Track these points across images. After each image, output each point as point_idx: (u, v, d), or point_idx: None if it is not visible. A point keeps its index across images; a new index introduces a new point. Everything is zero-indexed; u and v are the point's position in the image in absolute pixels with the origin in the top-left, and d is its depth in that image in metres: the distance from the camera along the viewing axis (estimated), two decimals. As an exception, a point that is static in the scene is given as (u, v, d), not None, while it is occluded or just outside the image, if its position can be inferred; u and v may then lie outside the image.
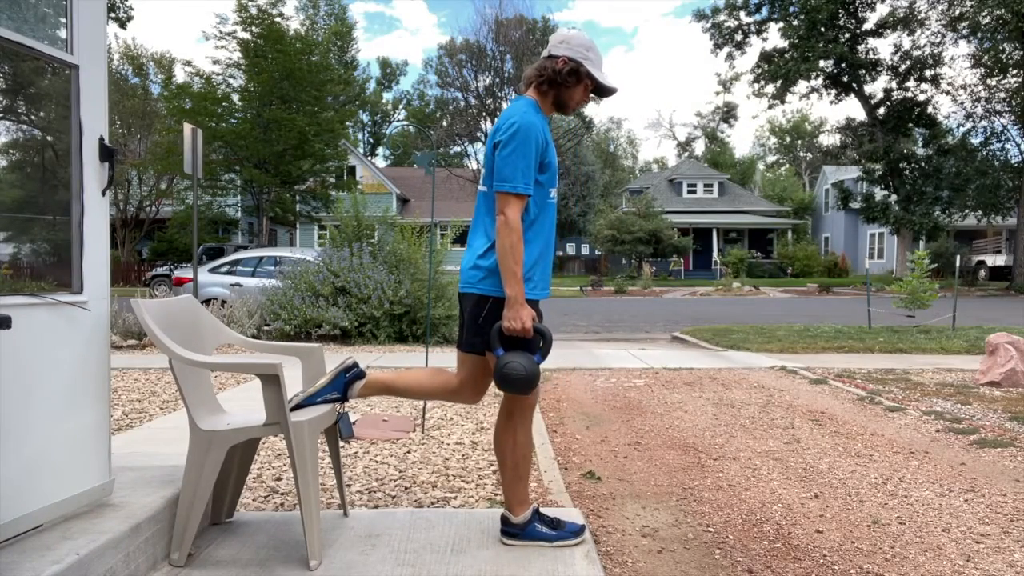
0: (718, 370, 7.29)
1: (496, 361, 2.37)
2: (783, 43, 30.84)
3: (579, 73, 2.46)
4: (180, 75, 36.51)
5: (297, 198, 28.52)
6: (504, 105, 39.21)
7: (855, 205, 32.52)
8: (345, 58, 46.82)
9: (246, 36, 25.37)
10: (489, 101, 38.95)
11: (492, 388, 2.64)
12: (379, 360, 7.70)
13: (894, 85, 30.24)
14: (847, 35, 30.04)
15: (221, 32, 25.70)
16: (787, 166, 66.41)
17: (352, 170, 36.02)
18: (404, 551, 2.51)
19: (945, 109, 50.16)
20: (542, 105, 2.50)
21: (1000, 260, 32.39)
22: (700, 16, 32.70)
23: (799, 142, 66.09)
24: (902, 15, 28.98)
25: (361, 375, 2.67)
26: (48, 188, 2.54)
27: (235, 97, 26.44)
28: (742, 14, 31.68)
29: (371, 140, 61.62)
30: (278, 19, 26.07)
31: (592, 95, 2.56)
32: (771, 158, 69.35)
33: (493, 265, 2.38)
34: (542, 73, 2.47)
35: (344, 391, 2.64)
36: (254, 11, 25.27)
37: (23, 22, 2.18)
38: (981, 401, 5.64)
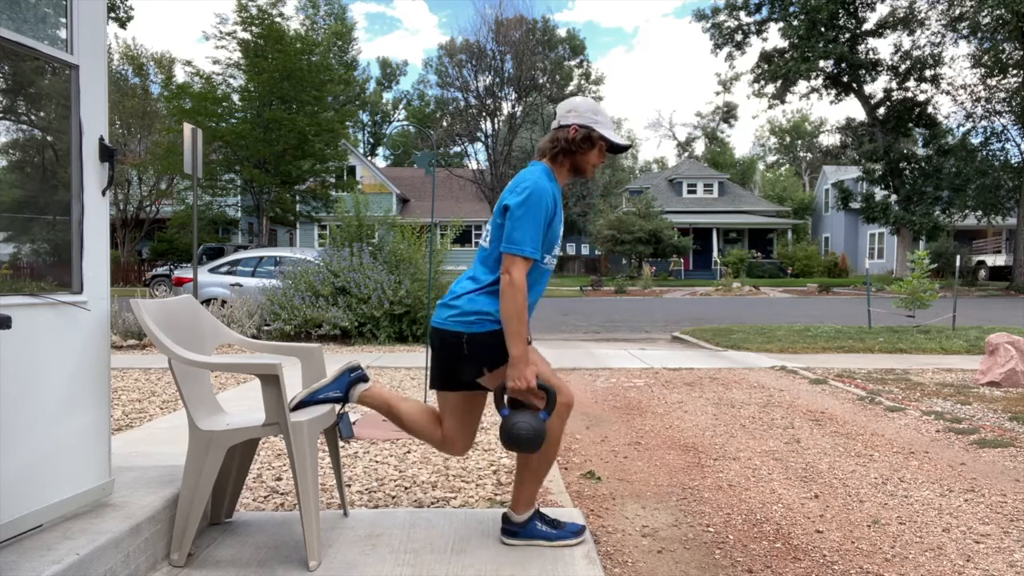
0: (718, 370, 7.29)
1: (502, 421, 2.39)
2: (783, 43, 30.86)
3: (592, 138, 2.51)
4: (180, 75, 36.66)
5: (297, 198, 28.53)
6: (503, 105, 39.21)
7: (855, 205, 32.53)
8: (345, 58, 46.81)
9: (246, 36, 25.38)
10: (489, 101, 38.95)
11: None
12: (379, 360, 7.70)
13: (894, 85, 30.25)
14: (847, 35, 30.04)
15: (221, 32, 25.74)
16: (787, 166, 66.42)
17: (352, 170, 36.03)
18: (404, 551, 2.51)
19: (945, 109, 50.17)
20: (557, 174, 2.55)
21: (1000, 260, 32.39)
22: (700, 16, 32.72)
23: (799, 142, 66.10)
24: (902, 15, 28.99)
25: (364, 378, 2.67)
26: (48, 188, 2.54)
27: (235, 97, 26.45)
28: (742, 14, 31.69)
29: (371, 140, 61.64)
30: (278, 19, 26.08)
31: (608, 152, 2.61)
32: (771, 158, 69.39)
33: (473, 308, 2.41)
34: (556, 144, 2.52)
35: (346, 391, 2.64)
36: (254, 11, 25.28)
37: (23, 22, 2.18)
38: (981, 401, 5.64)
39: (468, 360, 2.43)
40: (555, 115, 2.60)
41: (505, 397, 2.42)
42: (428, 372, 2.61)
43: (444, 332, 2.45)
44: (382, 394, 2.67)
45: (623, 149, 2.60)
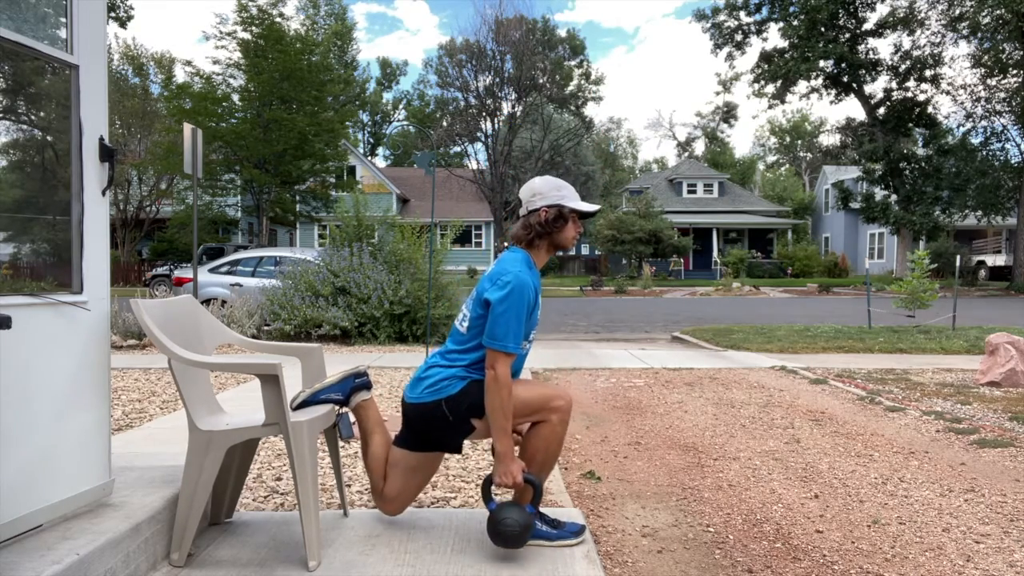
0: (718, 370, 7.29)
1: (489, 515, 2.42)
2: (783, 43, 30.87)
3: (563, 215, 2.55)
4: (180, 75, 36.56)
5: (297, 198, 28.54)
6: (503, 105, 39.19)
7: (855, 205, 32.52)
8: (345, 58, 46.82)
9: (246, 36, 25.39)
10: (489, 101, 38.93)
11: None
12: (379, 360, 7.70)
13: (894, 85, 30.25)
14: (847, 35, 30.04)
15: (221, 32, 25.76)
16: (787, 166, 66.40)
17: (352, 170, 36.03)
18: (404, 551, 2.51)
19: (945, 109, 50.10)
20: (536, 257, 2.58)
21: (1000, 260, 32.39)
22: (700, 16, 32.72)
23: (799, 142, 66.07)
24: (902, 15, 28.98)
25: (367, 386, 2.71)
26: (48, 188, 2.54)
27: (235, 97, 26.46)
28: (742, 14, 31.70)
29: (371, 140, 61.62)
30: (278, 19, 26.09)
31: (580, 221, 2.64)
32: (771, 158, 69.36)
33: (442, 376, 2.49)
34: (530, 230, 2.54)
35: (347, 396, 2.66)
36: (254, 11, 25.29)
37: (23, 22, 2.18)
38: (981, 401, 5.64)
39: (453, 424, 2.48)
40: (520, 202, 2.63)
41: (492, 490, 2.48)
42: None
43: (421, 406, 2.50)
44: (372, 414, 2.71)
45: (594, 214, 2.65)
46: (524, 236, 2.55)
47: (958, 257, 16.81)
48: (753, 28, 32.07)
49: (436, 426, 2.50)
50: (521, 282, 2.40)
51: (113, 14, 27.98)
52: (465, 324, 2.52)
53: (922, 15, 28.77)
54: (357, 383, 2.68)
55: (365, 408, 2.70)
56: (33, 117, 2.61)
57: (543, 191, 2.56)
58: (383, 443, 2.67)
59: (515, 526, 2.36)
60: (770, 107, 33.60)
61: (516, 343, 2.39)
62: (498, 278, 2.43)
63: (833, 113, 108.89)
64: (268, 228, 28.33)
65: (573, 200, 2.57)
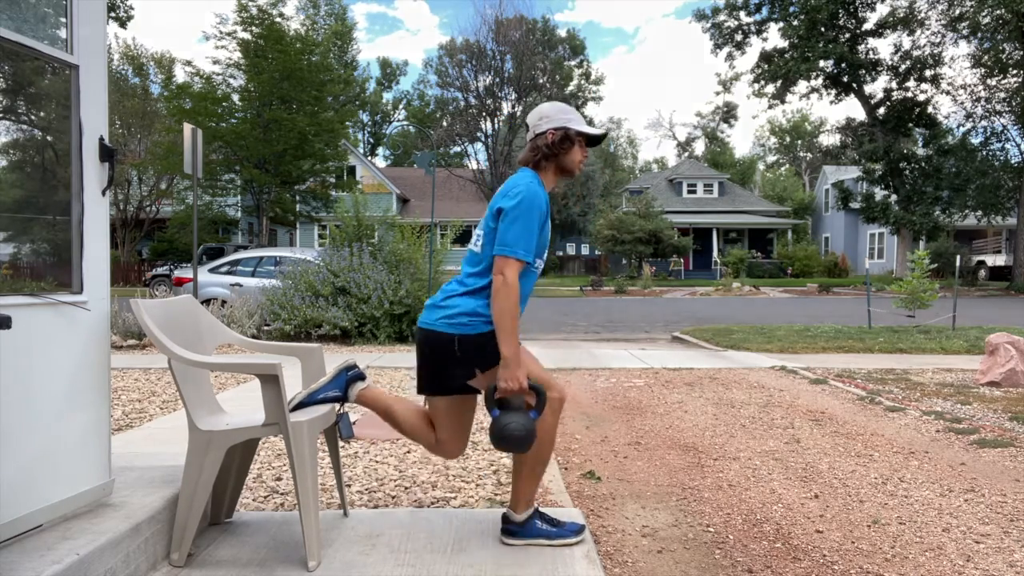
0: (718, 370, 7.29)
1: (493, 422, 2.39)
2: (783, 43, 30.87)
3: (570, 137, 2.55)
4: (180, 75, 36.59)
5: (297, 198, 28.54)
6: (503, 105, 39.23)
7: (855, 205, 32.52)
8: (345, 58, 46.83)
9: (246, 36, 25.39)
10: (489, 101, 38.96)
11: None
12: (379, 360, 7.70)
13: (894, 85, 30.25)
14: (847, 35, 30.05)
15: (221, 32, 25.75)
16: (787, 166, 66.39)
17: (352, 170, 36.03)
18: (404, 551, 2.51)
19: (945, 109, 50.18)
20: (544, 179, 2.57)
21: (1000, 260, 32.39)
22: (700, 16, 32.74)
23: (799, 142, 66.06)
24: (902, 15, 28.99)
25: (361, 376, 2.67)
26: (48, 188, 2.54)
27: (235, 97, 26.46)
28: (742, 14, 31.71)
29: (371, 140, 61.62)
30: (278, 19, 26.09)
31: (587, 147, 2.64)
32: (771, 158, 69.35)
33: (464, 309, 2.42)
34: (537, 152, 2.54)
35: (345, 390, 2.64)
36: (254, 11, 25.29)
37: (23, 22, 2.18)
38: (981, 401, 5.64)
39: (459, 362, 2.42)
40: (527, 128, 2.62)
41: (496, 398, 2.42)
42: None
43: (434, 334, 2.44)
44: (379, 394, 2.67)
45: (601, 139, 2.64)
46: (531, 158, 2.56)
47: (958, 257, 16.81)
48: (753, 28, 32.07)
49: (441, 355, 2.44)
50: (533, 191, 2.40)
51: (113, 14, 27.99)
52: (479, 243, 2.49)
53: (922, 15, 28.78)
54: (351, 375, 2.65)
55: (370, 393, 2.66)
56: (33, 117, 2.61)
57: (550, 114, 2.57)
58: (407, 408, 2.62)
59: (520, 430, 2.33)
60: (770, 107, 33.63)
61: (527, 252, 2.36)
62: (509, 190, 2.43)
63: (833, 113, 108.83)
64: (268, 228, 28.33)
65: (580, 124, 2.57)
